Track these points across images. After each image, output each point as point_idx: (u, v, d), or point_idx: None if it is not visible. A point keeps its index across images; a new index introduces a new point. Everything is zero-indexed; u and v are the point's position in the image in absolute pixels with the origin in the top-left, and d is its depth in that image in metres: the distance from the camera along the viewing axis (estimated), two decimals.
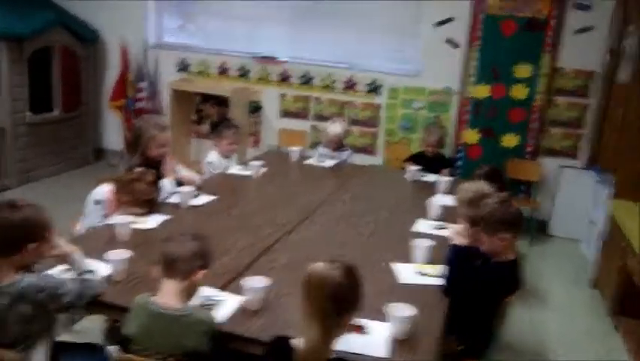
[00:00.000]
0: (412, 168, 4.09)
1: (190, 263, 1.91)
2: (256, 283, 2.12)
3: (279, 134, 5.62)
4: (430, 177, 4.16)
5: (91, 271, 2.10)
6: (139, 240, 2.61)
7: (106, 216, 2.91)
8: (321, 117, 5.55)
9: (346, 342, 1.79)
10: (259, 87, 5.68)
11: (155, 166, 3.28)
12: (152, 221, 2.86)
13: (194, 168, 3.82)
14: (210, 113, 5.84)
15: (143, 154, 3.28)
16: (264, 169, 3.92)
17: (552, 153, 5.08)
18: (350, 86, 5.45)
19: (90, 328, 2.73)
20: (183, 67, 5.88)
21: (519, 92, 4.98)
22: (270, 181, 3.86)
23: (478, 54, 5.04)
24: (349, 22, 5.37)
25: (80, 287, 2.01)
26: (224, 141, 4.02)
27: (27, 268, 1.99)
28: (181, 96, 5.68)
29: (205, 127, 5.89)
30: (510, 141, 5.09)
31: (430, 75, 5.19)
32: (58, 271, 2.19)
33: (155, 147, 3.29)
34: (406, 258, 2.63)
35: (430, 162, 4.37)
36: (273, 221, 3.02)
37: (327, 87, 5.51)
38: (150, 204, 2.97)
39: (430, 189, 3.89)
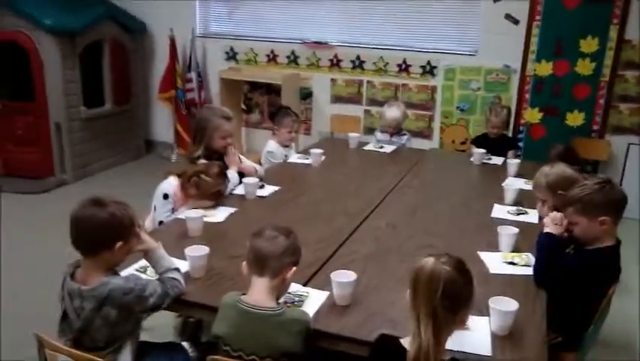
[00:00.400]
0: (479, 151, 3.91)
1: (281, 260, 1.82)
2: (345, 276, 2.01)
3: (331, 121, 5.48)
4: (496, 160, 3.99)
5: (176, 269, 2.03)
6: (210, 234, 2.54)
7: (174, 210, 2.85)
8: (375, 102, 5.41)
9: (450, 340, 1.66)
10: (309, 73, 5.56)
11: (219, 157, 3.22)
12: (220, 214, 2.77)
13: (249, 158, 3.73)
14: (260, 102, 5.76)
15: (206, 145, 3.20)
16: (323, 157, 3.81)
17: (620, 130, 4.82)
18: (403, 68, 5.28)
19: (159, 324, 2.69)
20: (231, 55, 5.81)
21: (584, 67, 4.71)
22: (332, 169, 3.75)
23: (540, 29, 4.79)
24: (401, 1, 5.19)
25: (165, 287, 1.94)
26: (283, 130, 3.92)
27: (114, 268, 1.94)
28: (230, 85, 5.60)
29: (255, 116, 5.81)
30: (575, 119, 4.84)
31: (488, 54, 4.97)
32: (137, 268, 2.14)
33: (219, 138, 3.21)
34: (491, 246, 2.49)
35: (494, 143, 4.19)
36: (345, 210, 2.91)
37: (380, 70, 5.35)
38: (218, 197, 2.89)
39: (499, 172, 3.74)
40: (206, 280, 2.14)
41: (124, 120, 5.88)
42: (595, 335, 2.28)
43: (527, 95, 4.94)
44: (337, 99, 5.55)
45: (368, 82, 5.42)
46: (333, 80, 5.52)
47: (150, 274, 2.10)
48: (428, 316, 1.52)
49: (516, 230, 2.49)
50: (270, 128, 5.29)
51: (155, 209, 2.88)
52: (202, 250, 2.19)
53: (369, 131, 5.26)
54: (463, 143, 5.21)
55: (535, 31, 4.80)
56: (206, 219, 2.64)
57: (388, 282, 2.18)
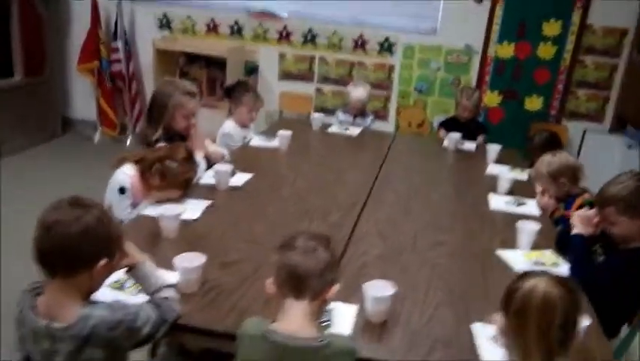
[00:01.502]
0: (454, 136, 3.67)
1: (323, 278, 1.42)
2: (381, 289, 1.66)
3: (280, 99, 5.05)
4: (469, 145, 3.78)
5: (171, 286, 1.58)
6: (187, 235, 2.09)
7: (133, 205, 2.33)
8: (327, 80, 5.03)
9: None
10: (255, 46, 5.06)
11: (180, 141, 2.72)
12: (193, 210, 2.30)
13: None
14: (197, 76, 5.18)
15: (166, 126, 2.70)
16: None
17: (577, 116, 4.78)
18: (360, 44, 4.92)
19: None
20: (165, 23, 5.16)
21: (546, 51, 4.61)
22: (302, 154, 3.37)
23: (503, 10, 4.61)
24: None
25: (160, 312, 1.50)
26: (243, 108, 3.45)
27: (90, 294, 1.45)
28: (164, 57, 4.98)
29: None
30: (534, 103, 4.75)
31: (449, 33, 4.73)
32: (111, 283, 1.66)
33: (181, 117, 2.73)
34: (506, 243, 2.26)
35: (464, 127, 3.95)
36: (336, 203, 2.55)
37: (334, 46, 4.95)
38: (186, 186, 2.42)
39: (476, 158, 3.54)
40: (202, 297, 1.70)
41: (37, 94, 5.07)
42: (631, 339, 2.09)
43: (487, 78, 4.78)
44: (286, 76, 5.10)
45: (320, 58, 5.01)
46: (281, 55, 5.05)
47: (129, 293, 1.64)
48: (542, 351, 1.20)
49: (538, 226, 2.26)
50: (210, 105, 4.80)
51: (111, 207, 2.34)
52: (196, 258, 1.75)
53: (321, 111, 4.89)
54: (420, 125, 4.98)
55: (498, 11, 4.62)
56: None
57: (416, 291, 1.87)
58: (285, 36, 5.02)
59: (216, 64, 5.04)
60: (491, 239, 2.33)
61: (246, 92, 3.48)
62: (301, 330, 1.39)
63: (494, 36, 4.67)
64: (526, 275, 1.30)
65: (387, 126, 4.97)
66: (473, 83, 4.79)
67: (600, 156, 4.64)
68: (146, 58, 5.14)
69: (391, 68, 4.92)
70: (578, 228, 2.17)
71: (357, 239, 2.21)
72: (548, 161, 2.74)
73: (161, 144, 2.63)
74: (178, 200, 2.35)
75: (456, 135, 3.66)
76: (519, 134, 4.55)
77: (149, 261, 1.58)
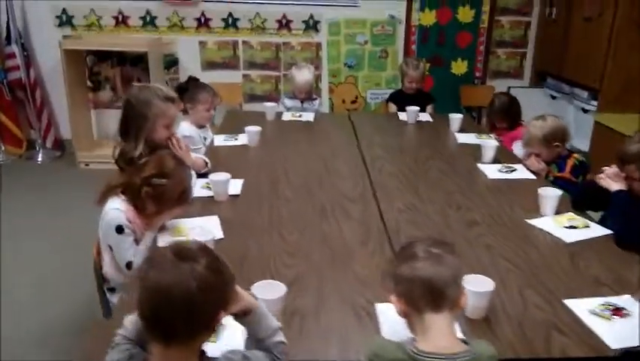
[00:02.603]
0: (412, 109, 3.66)
1: (458, 284, 1.33)
2: (480, 283, 1.60)
3: None
4: (424, 116, 3.81)
5: (280, 329, 1.40)
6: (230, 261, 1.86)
7: (137, 241, 2.03)
8: (254, 65, 4.80)
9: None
10: (172, 36, 4.68)
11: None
12: (213, 229, 2.04)
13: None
14: (110, 76, 4.71)
15: (147, 138, 2.39)
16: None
17: (499, 75, 5.01)
18: (284, 24, 4.73)
19: None
20: (65, 20, 4.60)
21: (465, 14, 4.76)
22: (274, 148, 3.18)
23: None
24: None
25: (272, 358, 1.32)
26: (200, 107, 3.17)
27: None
28: (69, 58, 4.44)
29: (105, 93, 4.75)
30: (459, 67, 4.90)
31: (372, 4, 4.70)
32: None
33: (162, 127, 2.43)
34: (528, 210, 2.30)
35: (412, 99, 3.96)
36: (347, 197, 2.45)
37: (257, 28, 4.72)
38: (188, 198, 2.09)
39: (438, 128, 3.57)
40: (287, 328, 1.50)
41: None
42: None
43: (414, 47, 4.83)
44: (210, 65, 4.79)
45: (244, 42, 4.76)
46: (202, 43, 4.74)
47: None
48: None
49: (560, 191, 2.32)
50: None
51: (111, 249, 2.02)
52: (275, 287, 1.57)
53: (251, 98, 4.69)
54: (353, 102, 4.94)
55: None
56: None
57: (491, 277, 1.79)
58: (203, 22, 4.69)
59: (130, 60, 4.62)
60: (512, 208, 2.35)
61: (202, 89, 3.21)
62: (451, 345, 1.29)
63: (416, 5, 4.72)
64: None
65: (321, 107, 4.87)
66: (400, 53, 4.83)
67: (527, 110, 4.89)
68: (47, 61, 4.58)
69: (318, 46, 4.81)
70: (615, 185, 2.24)
71: (395, 234, 2.11)
72: (541, 125, 2.81)
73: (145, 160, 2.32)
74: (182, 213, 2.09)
75: (414, 108, 3.66)
76: (450, 99, 4.68)
77: (261, 306, 1.38)
